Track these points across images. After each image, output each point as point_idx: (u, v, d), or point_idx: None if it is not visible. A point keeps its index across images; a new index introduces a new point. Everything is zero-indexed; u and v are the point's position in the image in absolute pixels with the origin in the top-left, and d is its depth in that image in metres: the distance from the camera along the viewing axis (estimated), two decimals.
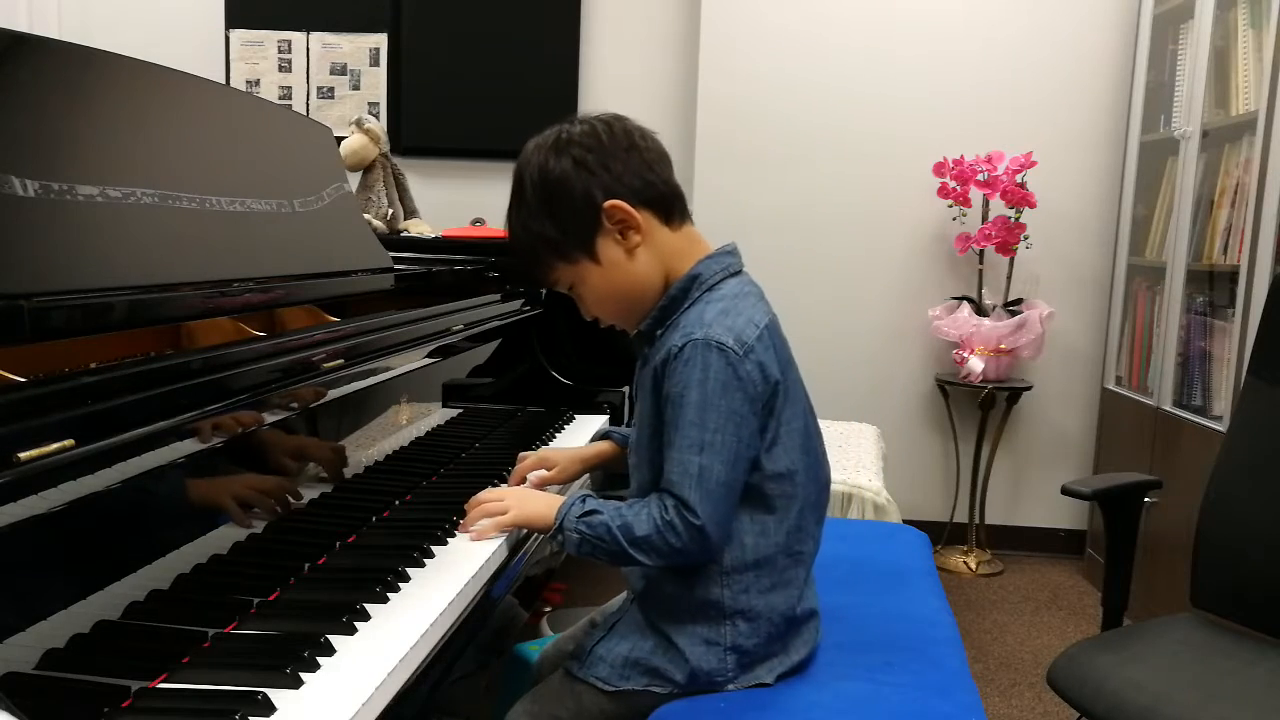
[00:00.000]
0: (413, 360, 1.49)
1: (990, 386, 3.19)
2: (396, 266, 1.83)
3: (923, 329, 3.35)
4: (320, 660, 0.88)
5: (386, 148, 2.73)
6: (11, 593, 0.74)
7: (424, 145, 3.67)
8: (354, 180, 2.50)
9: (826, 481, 1.23)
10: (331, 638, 0.91)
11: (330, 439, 1.25)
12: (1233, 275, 2.46)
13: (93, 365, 1.09)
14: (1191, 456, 2.55)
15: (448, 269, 2.06)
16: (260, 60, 3.72)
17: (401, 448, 1.45)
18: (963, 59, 3.33)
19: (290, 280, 1.39)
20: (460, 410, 1.72)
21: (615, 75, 3.65)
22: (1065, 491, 1.75)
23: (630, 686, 1.17)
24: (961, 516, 3.43)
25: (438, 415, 1.63)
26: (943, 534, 3.43)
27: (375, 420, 1.38)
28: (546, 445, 1.77)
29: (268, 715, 0.79)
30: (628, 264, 1.17)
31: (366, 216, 2.41)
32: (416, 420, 1.52)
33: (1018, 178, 3.17)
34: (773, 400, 1.13)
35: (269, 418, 1.08)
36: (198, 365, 1.00)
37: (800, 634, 1.20)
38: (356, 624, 0.96)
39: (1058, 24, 3.29)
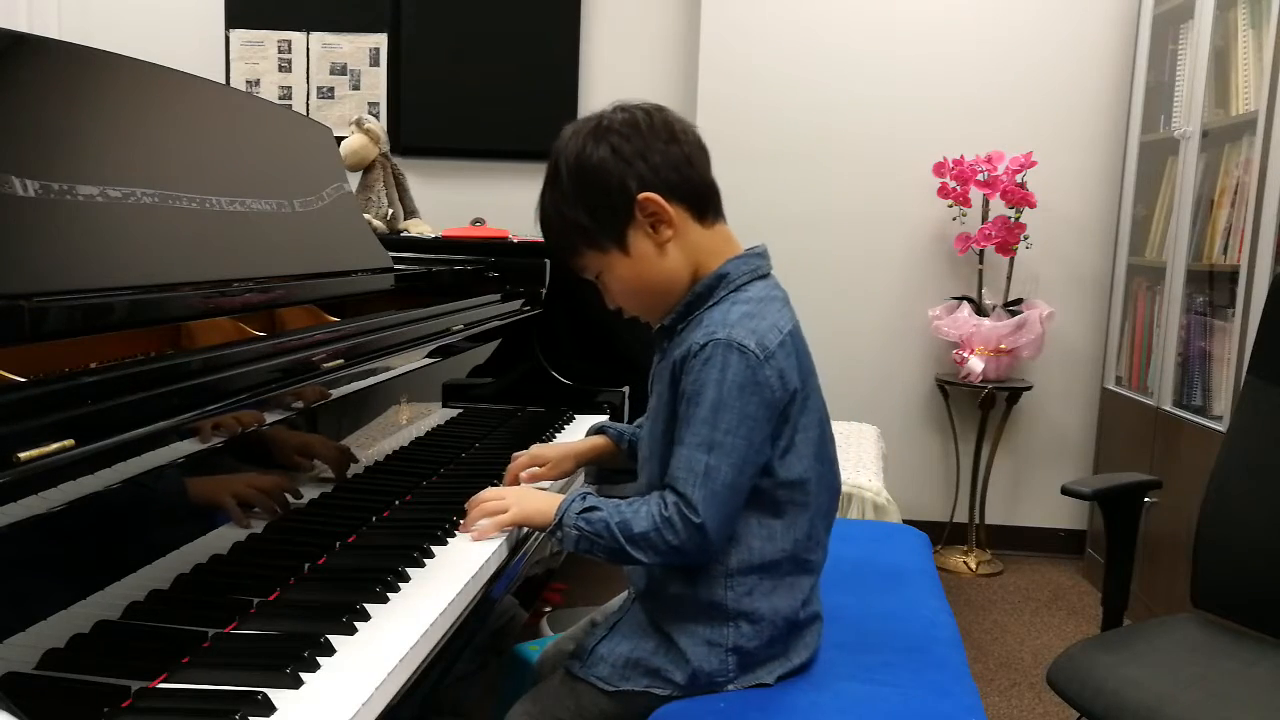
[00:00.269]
0: (413, 360, 1.49)
1: (990, 386, 3.19)
2: (396, 266, 1.83)
3: (923, 329, 3.35)
4: (320, 660, 0.88)
5: (386, 148, 2.73)
6: (11, 593, 0.74)
7: (424, 145, 3.67)
8: (354, 180, 2.51)
9: (838, 490, 1.23)
10: (331, 638, 0.91)
11: (330, 439, 1.25)
12: (1233, 275, 2.46)
13: (93, 365, 1.09)
14: (1191, 456, 2.55)
15: (448, 269, 2.06)
16: (260, 60, 3.72)
17: (401, 448, 1.46)
18: (963, 59, 3.33)
19: (290, 280, 1.39)
20: (460, 410, 1.72)
21: (615, 75, 3.66)
22: (1065, 491, 1.75)
23: (630, 687, 1.17)
24: (961, 516, 3.43)
25: (438, 415, 1.63)
26: (943, 534, 3.43)
27: (375, 420, 1.38)
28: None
29: (268, 715, 0.79)
30: (657, 257, 1.16)
31: (366, 216, 2.41)
32: (416, 420, 1.52)
33: (1018, 178, 3.17)
34: (789, 408, 1.13)
35: (269, 418, 1.07)
36: (198, 365, 1.00)
37: (802, 637, 1.20)
38: (356, 624, 0.96)
39: (1058, 24, 3.29)
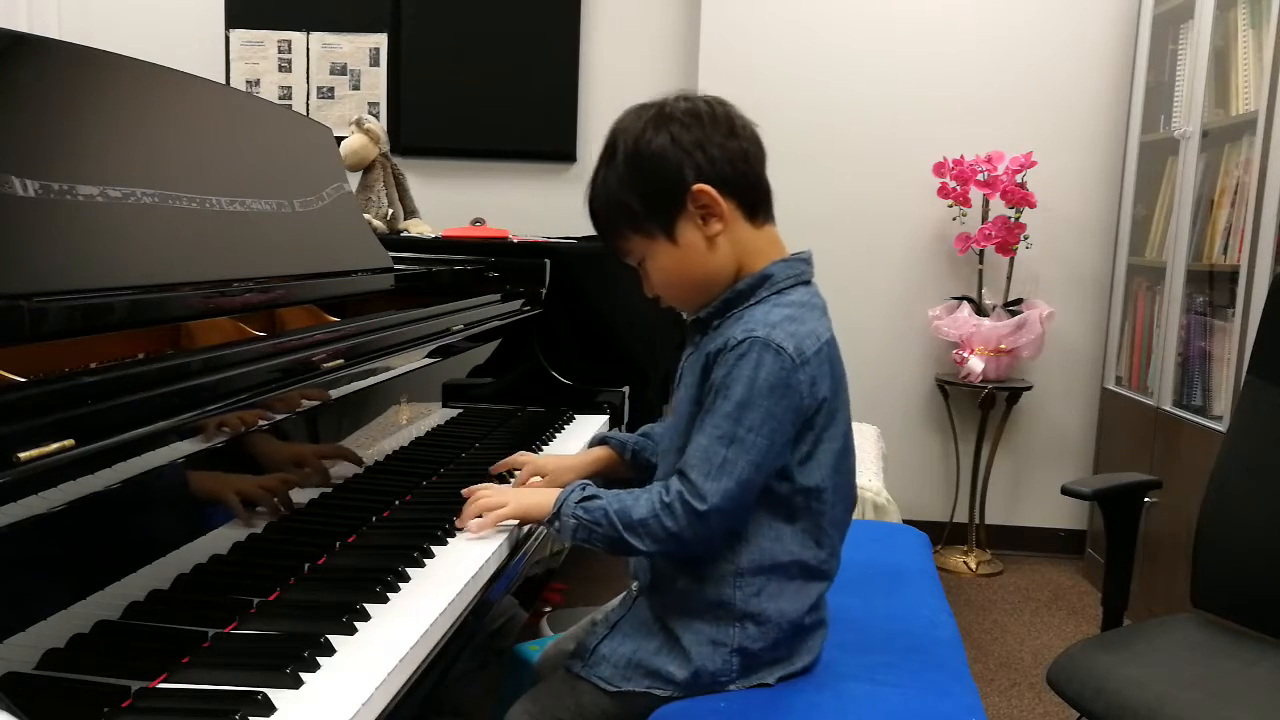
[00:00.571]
0: (413, 360, 1.49)
1: (990, 386, 3.19)
2: (396, 266, 1.83)
3: (923, 329, 3.35)
4: (320, 660, 0.88)
5: (386, 148, 2.73)
6: (11, 593, 0.74)
7: (424, 145, 3.67)
8: (354, 180, 2.51)
9: (853, 503, 1.22)
10: (331, 638, 0.91)
11: (330, 439, 1.25)
12: (1233, 275, 2.46)
13: (93, 365, 1.09)
14: (1191, 456, 2.55)
15: (448, 269, 2.06)
16: (260, 60, 3.72)
17: (401, 448, 1.45)
18: (963, 59, 3.33)
19: (290, 280, 1.39)
20: (460, 410, 1.72)
21: (615, 75, 3.65)
22: (1065, 491, 1.75)
23: (632, 688, 1.17)
24: (961, 516, 3.43)
25: (438, 415, 1.63)
26: (943, 534, 3.43)
27: (375, 420, 1.38)
28: (546, 445, 1.78)
29: (268, 715, 0.79)
30: (703, 250, 1.16)
31: (366, 216, 2.41)
32: (416, 420, 1.52)
33: (1018, 178, 3.17)
34: (816, 416, 1.12)
35: (269, 418, 1.07)
36: (198, 365, 1.00)
37: (806, 642, 1.19)
38: (356, 624, 0.96)
39: (1058, 24, 3.29)
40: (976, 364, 3.15)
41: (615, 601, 1.35)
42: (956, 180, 3.20)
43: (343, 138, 2.54)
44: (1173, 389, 2.76)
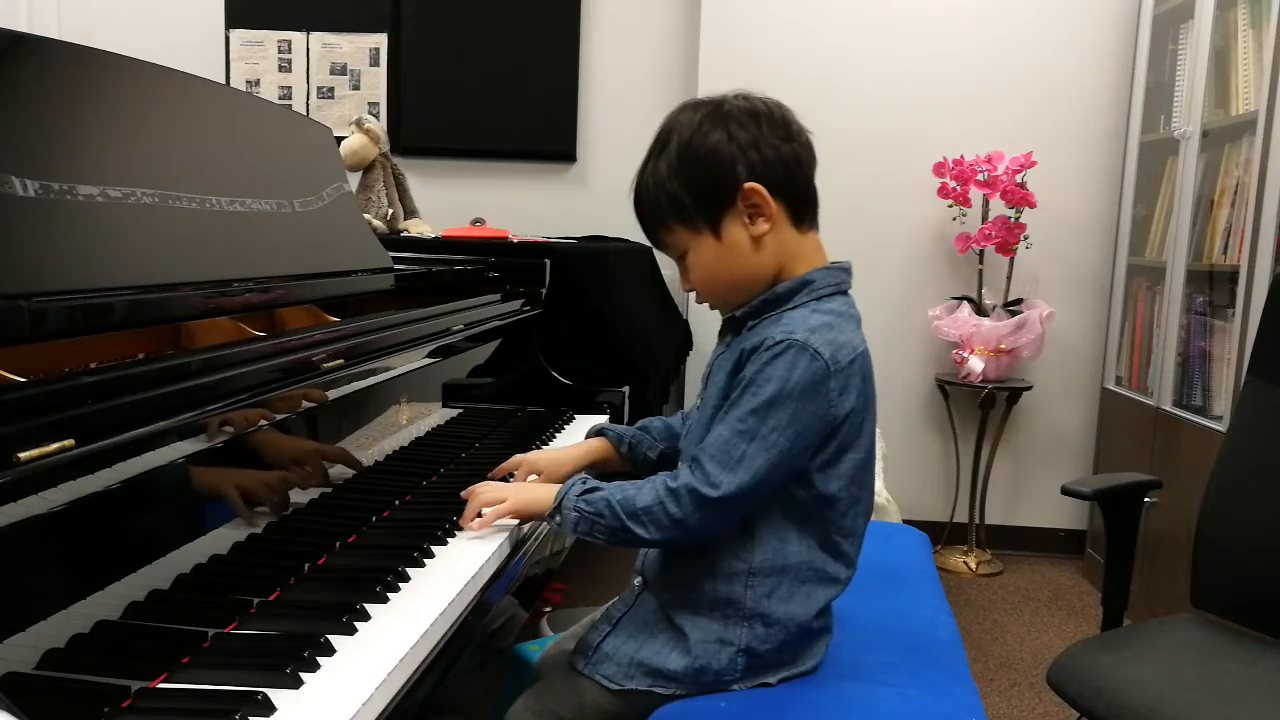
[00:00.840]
0: (413, 360, 1.49)
1: (990, 386, 3.19)
2: (396, 266, 1.83)
3: (923, 329, 3.35)
4: (320, 660, 0.88)
5: (386, 148, 2.73)
6: (11, 593, 0.74)
7: (424, 145, 3.67)
8: (354, 180, 2.51)
9: (869, 514, 1.22)
10: (331, 638, 0.91)
11: (330, 439, 1.25)
12: (1233, 275, 2.46)
13: (93, 365, 1.09)
14: (1191, 456, 2.55)
15: (448, 269, 2.06)
16: (260, 60, 3.72)
17: (401, 448, 1.45)
18: (963, 59, 3.33)
19: (290, 280, 1.38)
20: (460, 410, 1.72)
21: (615, 75, 3.66)
22: (1065, 491, 1.75)
23: (634, 686, 1.17)
24: (961, 516, 3.43)
25: (438, 415, 1.63)
26: (943, 534, 3.43)
27: (375, 420, 1.38)
28: (546, 445, 1.77)
29: (268, 715, 0.79)
30: (747, 249, 1.16)
31: (366, 216, 2.41)
32: (416, 420, 1.52)
33: (1018, 178, 3.17)
34: (841, 426, 1.12)
35: (269, 418, 1.07)
36: (198, 365, 1.00)
37: (812, 647, 1.19)
38: (356, 624, 0.96)
39: (1058, 24, 3.29)
40: (976, 364, 3.15)
41: (620, 598, 1.35)
42: (956, 180, 3.20)
43: (343, 138, 2.54)
44: (1173, 389, 2.76)
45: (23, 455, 0.73)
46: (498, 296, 2.05)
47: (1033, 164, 3.17)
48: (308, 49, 3.70)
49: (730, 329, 1.23)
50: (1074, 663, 1.54)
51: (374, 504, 1.31)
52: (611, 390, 2.13)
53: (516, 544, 1.29)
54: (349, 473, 1.28)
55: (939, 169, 3.22)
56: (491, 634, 1.22)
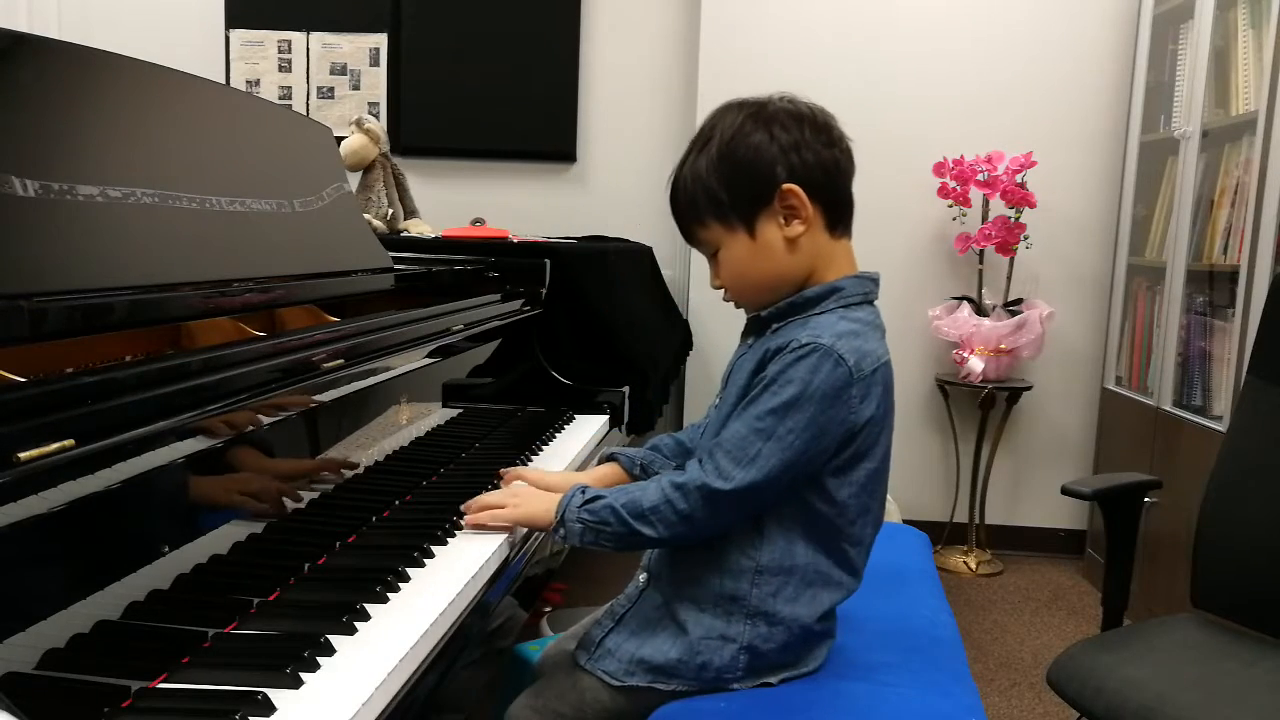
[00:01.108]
0: (413, 360, 1.49)
1: (990, 386, 3.19)
2: (396, 266, 1.83)
3: (923, 329, 3.35)
4: (320, 660, 0.88)
5: (386, 148, 2.73)
6: (11, 593, 0.74)
7: (424, 145, 3.67)
8: (354, 180, 2.51)
9: (879, 523, 1.22)
10: (331, 638, 0.91)
11: (330, 439, 1.25)
12: (1233, 275, 2.46)
13: (93, 365, 1.09)
14: (1191, 456, 2.55)
15: (448, 269, 2.06)
16: (260, 60, 3.72)
17: (401, 448, 1.45)
18: (963, 59, 3.33)
19: (290, 280, 1.38)
20: (460, 410, 1.72)
21: (615, 75, 3.65)
22: (1065, 491, 1.75)
23: (636, 683, 1.17)
24: (961, 516, 3.43)
25: (438, 415, 1.63)
26: (943, 534, 3.43)
27: (375, 420, 1.38)
28: (546, 445, 1.77)
29: (268, 715, 0.79)
30: (780, 250, 1.16)
31: (366, 216, 2.41)
32: (416, 420, 1.52)
33: (1018, 178, 3.17)
34: (859, 434, 1.12)
35: (269, 418, 1.07)
36: (198, 365, 1.00)
37: (814, 649, 1.19)
38: (356, 624, 0.96)
39: (1058, 24, 3.29)
40: (976, 364, 3.15)
41: (623, 595, 1.35)
42: (956, 180, 3.20)
43: (343, 138, 2.54)
44: (1173, 389, 2.76)
45: (23, 455, 0.73)
46: (498, 296, 2.05)
47: (1033, 164, 3.17)
48: (308, 49, 3.70)
49: (753, 331, 1.23)
50: (1074, 663, 1.54)
51: (374, 504, 1.32)
52: (611, 390, 2.13)
53: (516, 544, 1.29)
54: (349, 473, 1.28)
55: (939, 169, 3.22)
56: (491, 634, 1.22)
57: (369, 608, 0.99)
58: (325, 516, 1.19)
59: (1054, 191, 3.26)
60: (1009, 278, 3.28)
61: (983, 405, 3.25)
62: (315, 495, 1.18)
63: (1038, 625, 2.85)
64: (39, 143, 1.04)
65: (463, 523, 1.26)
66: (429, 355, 1.56)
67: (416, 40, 3.65)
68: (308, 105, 3.72)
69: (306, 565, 1.11)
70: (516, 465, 1.59)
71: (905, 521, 2.39)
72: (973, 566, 3.28)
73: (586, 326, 2.23)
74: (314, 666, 0.87)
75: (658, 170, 3.84)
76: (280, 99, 3.69)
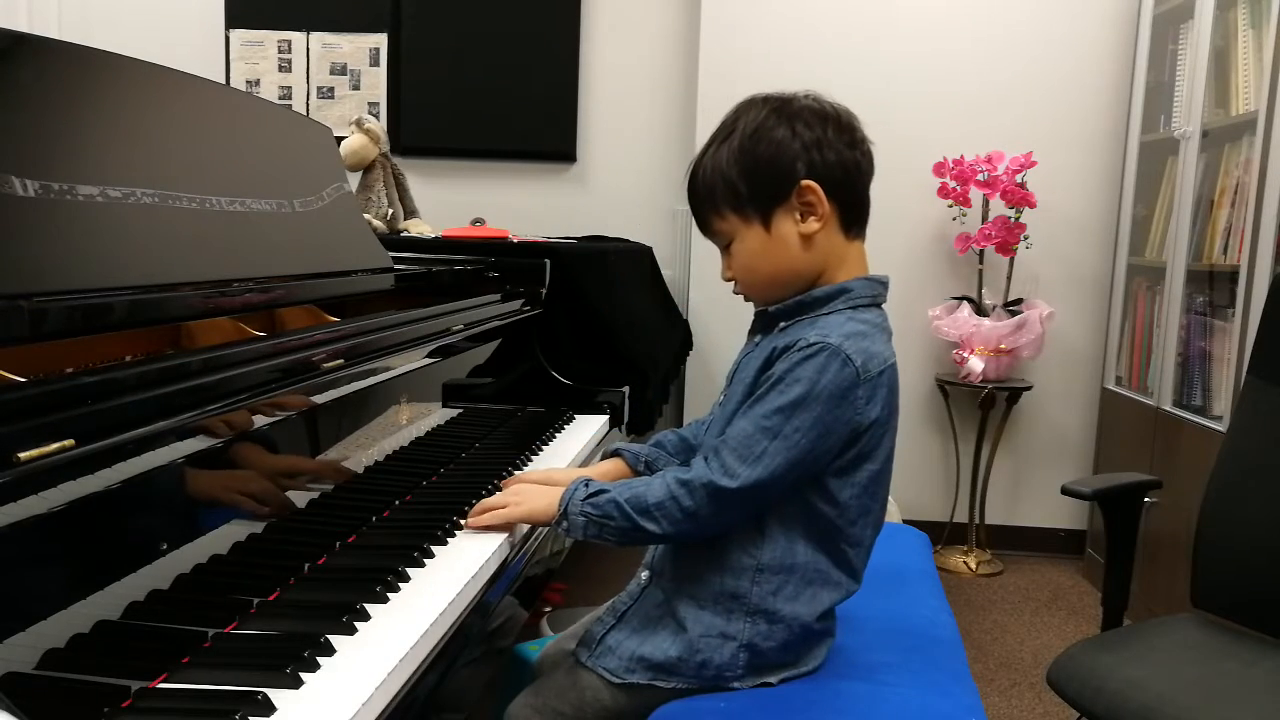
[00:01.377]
0: (413, 360, 1.49)
1: (990, 386, 3.19)
2: (396, 266, 1.83)
3: (923, 329, 3.35)
4: (320, 660, 0.88)
5: (386, 148, 2.73)
6: (11, 593, 0.74)
7: (424, 145, 3.68)
8: (354, 180, 2.51)
9: (879, 525, 1.22)
10: (331, 638, 0.91)
11: (330, 439, 1.25)
12: (1233, 275, 2.46)
13: (93, 365, 1.09)
14: (1191, 456, 2.55)
15: (448, 269, 2.06)
16: (260, 60, 3.72)
17: (401, 448, 1.45)
18: (963, 59, 3.33)
19: (290, 280, 1.38)
20: (460, 410, 1.72)
21: (615, 75, 3.65)
22: (1065, 491, 1.75)
23: (636, 680, 1.17)
24: (961, 516, 3.43)
25: (438, 415, 1.63)
26: (943, 534, 3.43)
27: (375, 420, 1.38)
28: (546, 445, 1.77)
29: (268, 715, 0.79)
30: (794, 245, 1.17)
31: (366, 216, 2.41)
32: (416, 420, 1.52)
33: (1018, 178, 3.17)
34: (863, 435, 1.13)
35: (269, 418, 1.07)
36: (198, 365, 1.00)
37: (814, 649, 1.19)
38: (356, 624, 0.96)
39: (1058, 23, 3.30)
40: (976, 364, 3.15)
41: (625, 592, 1.35)
42: (956, 180, 3.20)
43: (343, 138, 2.54)
44: (1173, 389, 2.76)
45: (23, 455, 0.73)
46: (498, 296, 2.05)
47: (1033, 164, 3.17)
48: (308, 49, 3.70)
49: (760, 329, 1.23)
50: (1074, 663, 1.54)
51: (374, 504, 1.32)
52: (611, 390, 2.14)
53: (517, 544, 1.29)
54: (349, 472, 1.28)
55: (939, 169, 3.22)
56: (491, 633, 1.22)
57: (369, 608, 0.99)
58: (325, 516, 1.19)
59: (1054, 191, 3.26)
60: (1009, 278, 3.28)
61: (983, 405, 3.26)
62: (315, 495, 1.18)
63: (1038, 625, 2.85)
64: (39, 143, 1.04)
65: (464, 523, 1.26)
66: (429, 355, 1.56)
67: (416, 40, 3.65)
68: (308, 105, 3.72)
69: (306, 565, 1.11)
70: (517, 465, 1.59)
71: (905, 521, 2.39)
72: (973, 566, 3.28)
73: (586, 326, 2.23)
74: (314, 666, 0.87)
75: (658, 170, 3.86)
76: (280, 99, 3.69)
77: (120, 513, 0.85)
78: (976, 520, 3.37)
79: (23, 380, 0.82)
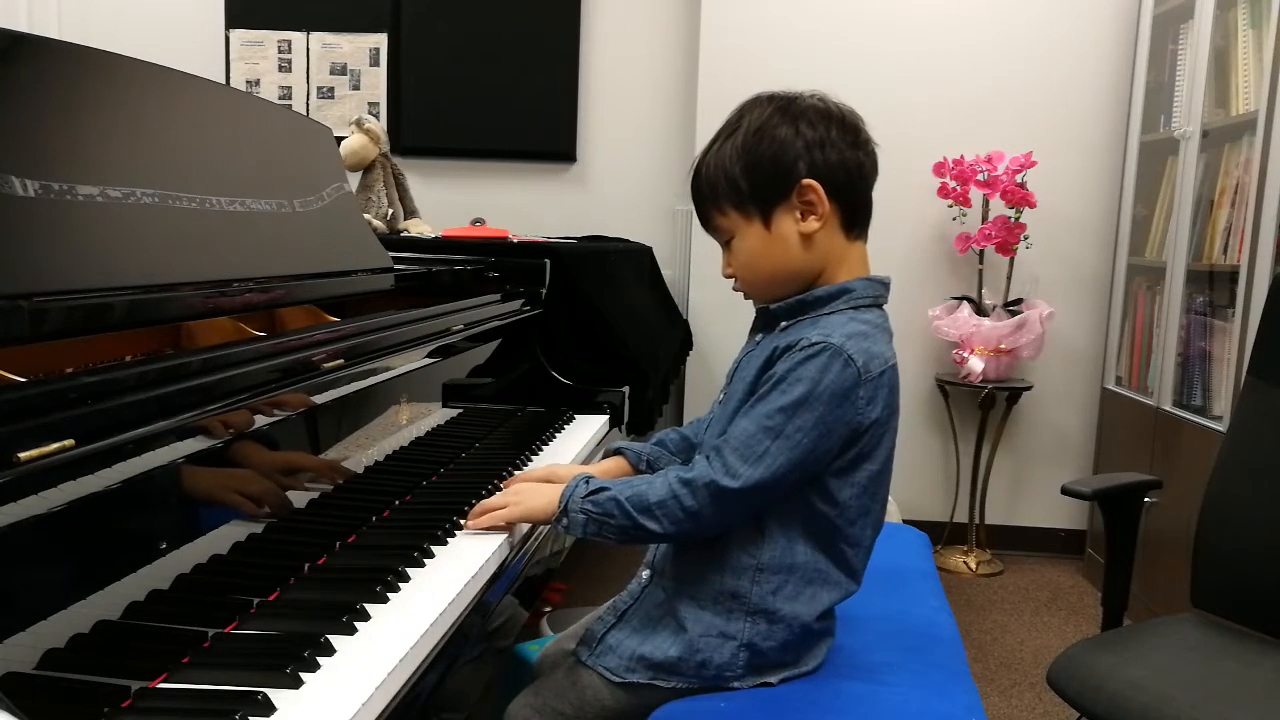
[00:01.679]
0: (413, 360, 1.49)
1: (990, 386, 3.19)
2: (396, 266, 1.83)
3: (923, 329, 3.35)
4: (320, 660, 0.88)
5: (386, 148, 2.73)
6: (11, 593, 0.74)
7: (424, 145, 3.68)
8: (354, 180, 2.51)
9: (879, 526, 1.22)
10: (331, 638, 0.91)
11: (330, 439, 1.25)
12: (1233, 275, 2.46)
13: (93, 365, 1.09)
14: (1191, 456, 2.55)
15: (448, 269, 2.06)
16: (260, 60, 3.72)
17: (401, 448, 1.45)
18: (963, 59, 3.33)
19: (290, 280, 1.38)
20: (460, 410, 1.72)
21: (615, 75, 3.66)
22: (1065, 491, 1.75)
23: (636, 679, 1.17)
24: (961, 516, 3.43)
25: (438, 415, 1.63)
26: (943, 534, 3.43)
27: (375, 420, 1.38)
28: (546, 445, 1.77)
29: (268, 715, 0.79)
30: (794, 244, 1.17)
31: (366, 216, 2.41)
32: (416, 420, 1.52)
33: (1018, 178, 3.17)
34: (863, 435, 1.13)
35: (269, 418, 1.07)
36: (198, 365, 1.00)
37: (814, 648, 1.20)
38: (356, 624, 0.95)
39: (1057, 24, 3.30)
40: (976, 364, 3.15)
41: (625, 591, 1.35)
42: (956, 180, 3.20)
43: (343, 138, 2.54)
44: (1173, 389, 2.76)
45: (23, 455, 0.73)
46: (498, 296, 2.05)
47: (1033, 164, 3.17)
48: (308, 49, 3.70)
49: (761, 328, 1.23)
50: (1074, 663, 1.54)
51: (374, 504, 1.32)
52: (611, 390, 2.13)
53: (517, 544, 1.29)
54: (349, 472, 1.28)
55: (939, 169, 3.22)
56: (491, 633, 1.22)
57: (369, 608, 0.99)
58: (325, 516, 1.19)
59: (1054, 191, 3.26)
60: (1009, 278, 3.28)
61: (983, 405, 3.26)
62: (315, 495, 1.18)
63: (1038, 625, 2.85)
64: (39, 143, 1.04)
65: (464, 524, 1.26)
66: (429, 355, 1.56)
67: (416, 40, 3.65)
68: (308, 105, 3.72)
69: (306, 565, 1.11)
70: (516, 465, 1.59)
71: (905, 521, 2.39)
72: (973, 566, 3.28)
73: (586, 326, 2.23)
74: (314, 666, 0.87)
75: (658, 170, 3.86)
76: (280, 99, 3.69)
77: (120, 513, 0.85)
78: (976, 520, 3.37)
79: (23, 380, 0.82)
